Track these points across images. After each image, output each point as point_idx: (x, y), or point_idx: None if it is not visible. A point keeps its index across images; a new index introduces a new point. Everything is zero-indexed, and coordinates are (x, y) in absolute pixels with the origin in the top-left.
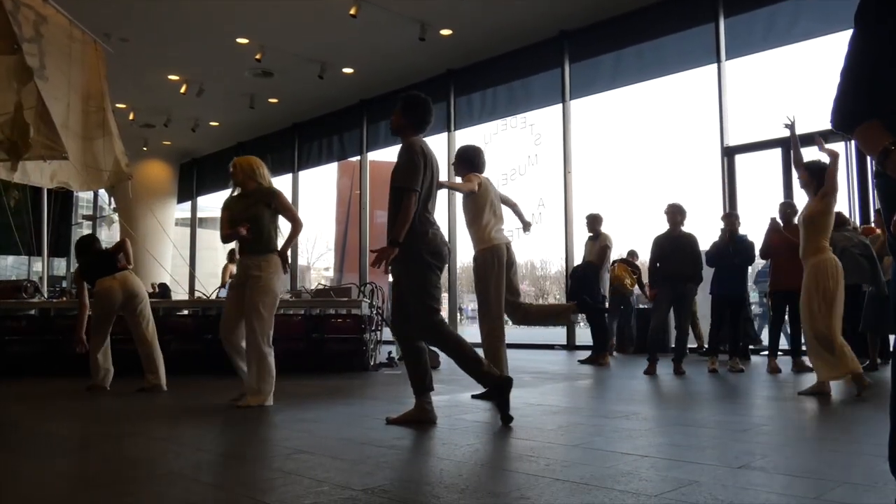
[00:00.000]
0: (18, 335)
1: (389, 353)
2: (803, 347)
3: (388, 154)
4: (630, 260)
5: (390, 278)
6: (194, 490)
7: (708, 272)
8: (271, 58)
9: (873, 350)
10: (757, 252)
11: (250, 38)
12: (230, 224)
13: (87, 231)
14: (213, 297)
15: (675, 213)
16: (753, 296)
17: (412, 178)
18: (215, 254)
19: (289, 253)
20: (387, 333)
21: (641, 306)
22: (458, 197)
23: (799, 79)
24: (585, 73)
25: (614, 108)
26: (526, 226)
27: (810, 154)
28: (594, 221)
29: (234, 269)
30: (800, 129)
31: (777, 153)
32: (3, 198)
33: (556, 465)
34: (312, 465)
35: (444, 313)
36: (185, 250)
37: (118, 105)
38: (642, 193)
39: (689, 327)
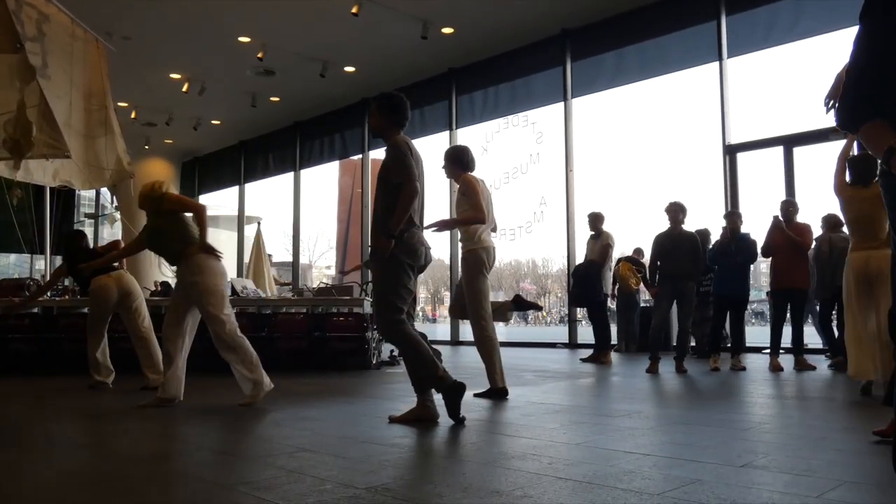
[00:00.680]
0: (21, 333)
1: (392, 351)
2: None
3: None
4: (635, 258)
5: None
6: (197, 488)
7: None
8: (273, 56)
9: None
10: (759, 250)
11: (252, 36)
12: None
13: (88, 228)
14: None
15: (676, 212)
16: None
17: (408, 171)
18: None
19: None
20: None
21: (644, 304)
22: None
23: (801, 77)
24: (587, 71)
25: (616, 106)
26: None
27: (810, 153)
28: (596, 220)
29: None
30: (802, 128)
31: (779, 151)
32: (5, 196)
33: (558, 464)
34: (315, 464)
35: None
36: None
37: (120, 103)
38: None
39: (691, 325)
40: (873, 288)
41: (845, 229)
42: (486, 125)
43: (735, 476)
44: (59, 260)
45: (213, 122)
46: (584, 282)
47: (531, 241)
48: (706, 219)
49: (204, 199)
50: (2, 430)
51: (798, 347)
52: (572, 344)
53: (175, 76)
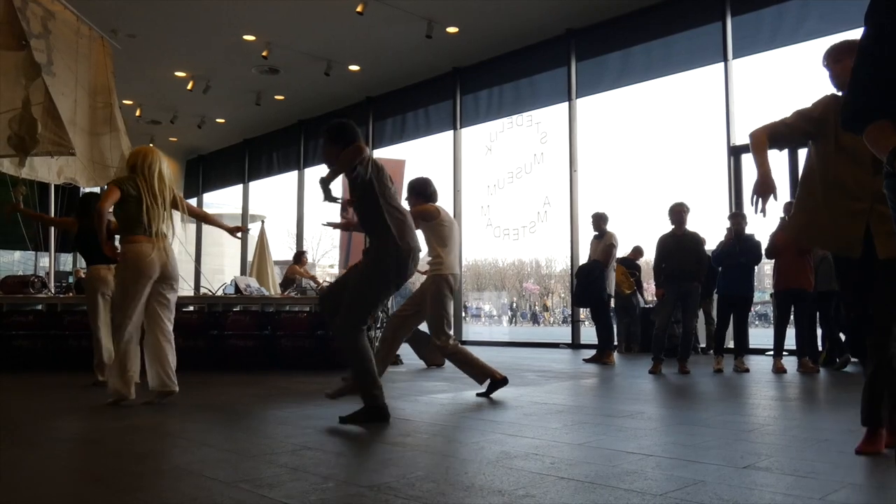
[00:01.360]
0: (25, 330)
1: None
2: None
3: (394, 151)
4: (632, 259)
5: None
6: (201, 485)
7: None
8: (278, 55)
9: None
10: (763, 252)
11: (257, 35)
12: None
13: None
14: (220, 293)
15: (680, 213)
16: (759, 294)
17: (357, 155)
18: (221, 250)
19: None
20: None
21: (644, 305)
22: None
23: (806, 78)
24: (592, 71)
25: (621, 106)
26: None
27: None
28: (599, 220)
29: (300, 271)
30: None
31: (783, 153)
32: (10, 193)
33: (561, 464)
34: (318, 462)
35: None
36: (191, 246)
37: (125, 101)
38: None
39: (695, 327)
40: None
41: None
42: (490, 125)
43: (738, 477)
44: (64, 256)
45: (218, 120)
46: (588, 282)
47: (535, 241)
48: (710, 220)
49: (208, 197)
50: (5, 426)
51: (801, 349)
52: (575, 344)
53: (180, 74)
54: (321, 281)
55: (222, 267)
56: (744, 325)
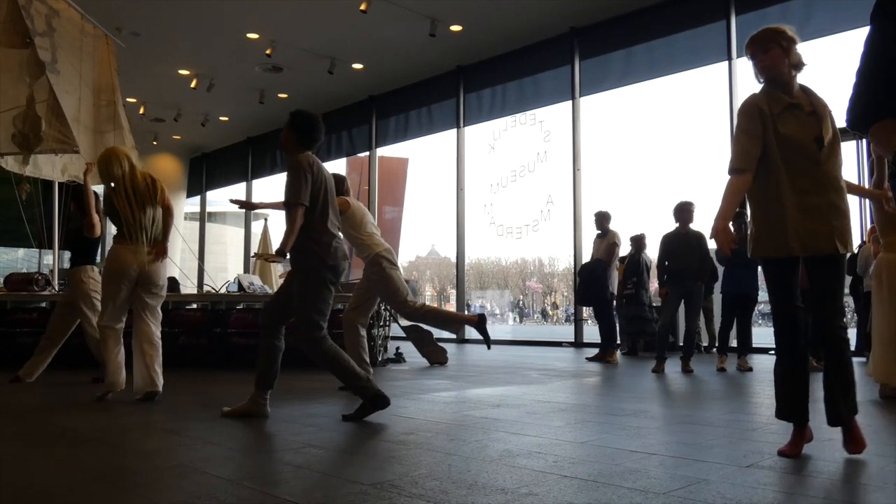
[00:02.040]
0: (29, 327)
1: (397, 348)
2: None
3: (398, 150)
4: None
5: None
6: (204, 483)
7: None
8: (281, 53)
9: None
10: None
11: (260, 33)
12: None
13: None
14: (223, 291)
15: (684, 212)
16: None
17: (298, 192)
18: (224, 248)
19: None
20: (395, 329)
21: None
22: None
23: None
24: (595, 69)
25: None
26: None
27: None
28: (602, 219)
29: None
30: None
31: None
32: (14, 191)
33: (564, 462)
34: (322, 460)
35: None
36: (195, 244)
37: (129, 99)
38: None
39: (698, 325)
40: None
41: None
42: (493, 123)
43: (741, 476)
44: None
45: (222, 118)
46: (591, 281)
47: (538, 240)
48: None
49: (212, 195)
50: (8, 422)
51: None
52: (578, 343)
53: (183, 72)
54: None
55: (225, 265)
56: (747, 324)
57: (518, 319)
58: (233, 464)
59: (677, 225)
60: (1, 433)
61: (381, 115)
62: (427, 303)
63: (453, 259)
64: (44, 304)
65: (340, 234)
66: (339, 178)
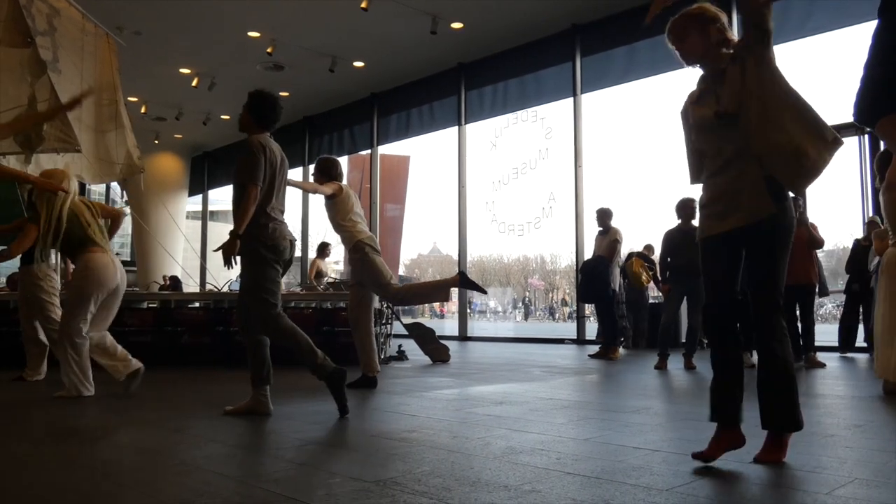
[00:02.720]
0: None
1: (400, 346)
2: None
3: (399, 148)
4: (646, 254)
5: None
6: (207, 480)
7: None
8: (282, 51)
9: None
10: None
11: (262, 31)
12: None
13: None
14: (225, 289)
15: (686, 208)
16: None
17: (251, 173)
18: None
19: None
20: (397, 327)
21: (653, 301)
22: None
23: (811, 73)
24: (597, 66)
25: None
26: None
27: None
28: (604, 216)
29: (322, 265)
30: None
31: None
32: (16, 190)
33: (566, 459)
34: (324, 457)
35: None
36: (197, 243)
37: (130, 98)
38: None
39: (699, 322)
40: None
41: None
42: (494, 120)
43: (744, 472)
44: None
45: (223, 116)
46: (593, 278)
47: (539, 237)
48: None
49: (213, 194)
50: (9, 421)
51: (808, 345)
52: (580, 340)
53: (185, 71)
54: (331, 275)
55: None
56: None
57: (525, 317)
58: (235, 461)
59: (679, 221)
60: (2, 431)
61: (383, 112)
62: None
63: (455, 257)
64: None
65: (281, 216)
66: (330, 162)
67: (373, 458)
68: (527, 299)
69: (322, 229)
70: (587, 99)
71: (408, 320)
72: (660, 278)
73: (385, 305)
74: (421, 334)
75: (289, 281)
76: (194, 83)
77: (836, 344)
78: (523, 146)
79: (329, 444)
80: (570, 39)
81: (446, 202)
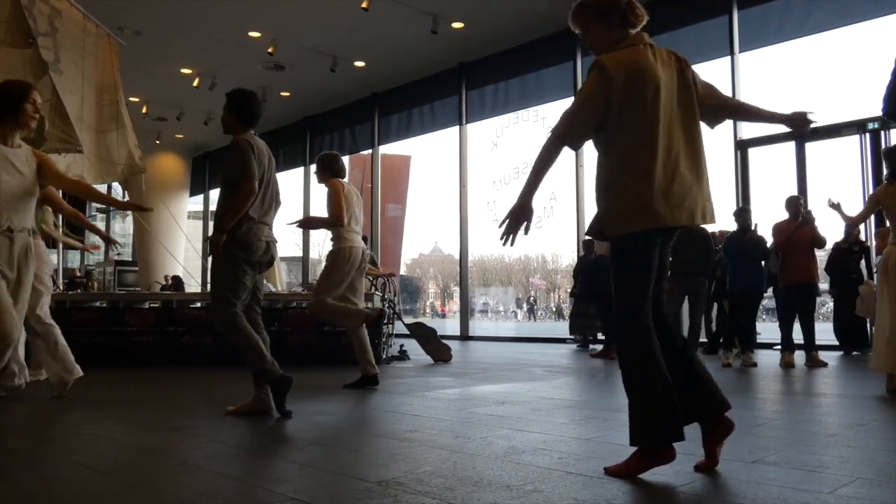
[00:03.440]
0: None
1: (401, 346)
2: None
3: (401, 147)
4: None
5: (283, 270)
6: (209, 481)
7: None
8: (283, 51)
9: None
10: (768, 247)
11: (262, 31)
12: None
13: (100, 223)
14: None
15: None
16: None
17: (245, 171)
18: None
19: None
20: (398, 327)
21: None
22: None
23: (813, 71)
24: None
25: None
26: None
27: (822, 148)
28: None
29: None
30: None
31: (790, 146)
32: None
33: (568, 459)
34: (327, 457)
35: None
36: (198, 243)
37: (131, 98)
38: None
39: (703, 320)
40: None
41: None
42: (495, 120)
43: (746, 472)
44: (72, 253)
45: None
46: (595, 277)
47: (541, 237)
48: (717, 214)
49: (214, 193)
50: (10, 422)
51: (810, 344)
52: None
53: (186, 71)
54: None
55: None
56: (752, 320)
57: (530, 317)
58: (237, 461)
59: None
60: (5, 431)
61: (384, 112)
62: (360, 304)
63: (456, 256)
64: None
65: (263, 217)
66: (332, 157)
67: (375, 459)
68: (531, 298)
69: (322, 232)
70: None
71: (409, 320)
72: None
73: (387, 304)
74: (422, 334)
75: (290, 281)
76: (195, 83)
77: (836, 343)
78: (524, 146)
79: (331, 444)
80: (571, 38)
81: (447, 202)
